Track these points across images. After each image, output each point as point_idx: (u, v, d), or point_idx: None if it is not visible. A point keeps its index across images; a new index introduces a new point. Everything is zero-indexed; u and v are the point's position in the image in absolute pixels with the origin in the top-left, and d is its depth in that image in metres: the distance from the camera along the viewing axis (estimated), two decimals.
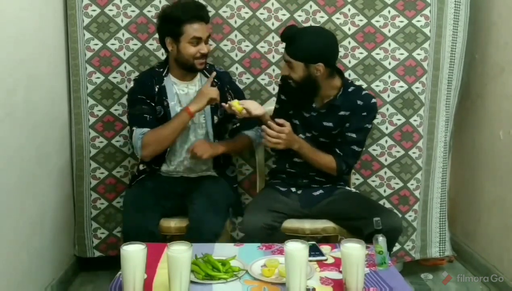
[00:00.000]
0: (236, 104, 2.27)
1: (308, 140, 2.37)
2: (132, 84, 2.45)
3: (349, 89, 2.35)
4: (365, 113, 2.31)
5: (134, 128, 2.35)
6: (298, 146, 2.28)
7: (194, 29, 2.28)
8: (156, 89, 2.39)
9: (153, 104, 2.38)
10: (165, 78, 2.41)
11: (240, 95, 2.51)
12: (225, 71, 2.56)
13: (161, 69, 2.43)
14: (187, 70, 2.39)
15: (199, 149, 2.32)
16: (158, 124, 2.35)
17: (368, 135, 2.68)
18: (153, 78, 2.40)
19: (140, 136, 2.32)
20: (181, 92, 2.42)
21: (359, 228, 2.18)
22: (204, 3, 2.58)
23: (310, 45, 2.19)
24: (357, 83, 2.67)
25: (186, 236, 2.17)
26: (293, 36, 2.20)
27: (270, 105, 2.56)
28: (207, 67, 2.44)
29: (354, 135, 2.32)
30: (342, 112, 2.33)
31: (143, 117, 2.34)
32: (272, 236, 2.16)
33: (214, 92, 2.33)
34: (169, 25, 2.31)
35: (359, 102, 2.31)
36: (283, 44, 2.63)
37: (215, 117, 2.44)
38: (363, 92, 2.36)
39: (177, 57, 2.35)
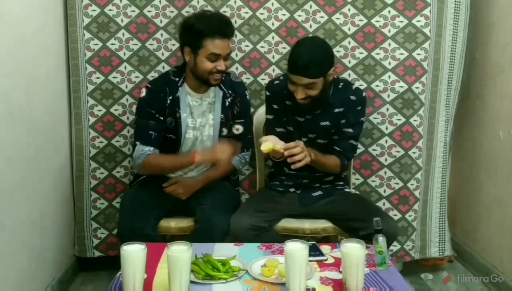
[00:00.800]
0: (271, 149, 2.13)
1: (306, 145, 2.39)
2: (144, 92, 2.35)
3: (339, 86, 2.38)
4: (359, 108, 2.37)
5: (137, 143, 2.33)
6: (314, 155, 2.24)
7: (214, 45, 2.23)
8: (169, 101, 2.34)
9: (162, 117, 2.33)
10: (180, 88, 2.36)
11: (245, 110, 2.48)
12: (240, 81, 2.53)
13: (177, 78, 2.37)
14: (201, 82, 2.34)
15: (182, 188, 2.35)
16: (161, 142, 2.34)
17: (368, 135, 2.70)
18: (167, 88, 2.35)
19: (143, 156, 2.30)
20: (194, 104, 2.38)
21: (355, 228, 2.19)
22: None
23: (322, 58, 2.21)
24: (357, 83, 2.68)
25: (194, 237, 2.16)
26: (306, 63, 2.16)
27: None
28: (222, 78, 2.36)
29: (351, 130, 2.37)
30: (336, 110, 2.35)
31: (148, 134, 2.31)
32: (260, 236, 2.15)
33: (225, 155, 2.23)
34: (191, 35, 2.25)
35: (352, 97, 2.36)
36: (284, 44, 2.67)
37: (224, 130, 2.41)
38: (353, 87, 2.41)
39: (193, 69, 2.31)
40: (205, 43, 2.23)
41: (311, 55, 2.17)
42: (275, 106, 2.42)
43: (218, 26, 2.24)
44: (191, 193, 2.35)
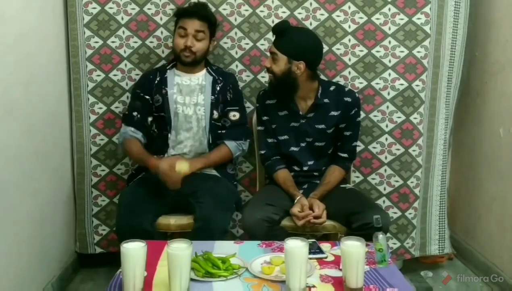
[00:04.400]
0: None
1: (304, 150, 2.43)
2: (138, 78, 2.61)
3: (331, 88, 2.43)
4: (356, 109, 2.43)
5: (123, 124, 2.50)
6: (318, 194, 2.35)
7: (183, 21, 2.44)
8: (156, 81, 2.50)
9: (148, 97, 2.47)
10: (168, 70, 2.53)
11: (238, 98, 2.56)
12: (232, 73, 2.64)
13: (167, 65, 2.56)
14: (180, 63, 2.49)
15: (179, 165, 2.34)
16: (143, 125, 2.47)
17: (368, 133, 2.70)
18: (157, 72, 2.54)
19: (123, 136, 2.47)
20: (183, 83, 2.50)
21: (350, 222, 2.21)
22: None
23: (298, 42, 2.30)
24: (357, 81, 2.68)
25: (193, 236, 2.15)
26: (284, 30, 2.31)
27: None
28: (214, 68, 2.56)
29: (351, 132, 2.44)
30: (333, 113, 2.40)
31: (132, 115, 2.47)
32: (271, 229, 2.17)
33: (172, 178, 2.29)
34: (175, 20, 2.51)
35: (346, 99, 2.41)
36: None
37: (215, 112, 2.48)
38: (346, 89, 2.48)
39: (173, 50, 2.52)
40: (178, 21, 2.47)
41: (287, 28, 2.31)
42: (264, 118, 2.47)
43: (190, 7, 2.50)
44: (189, 171, 2.33)
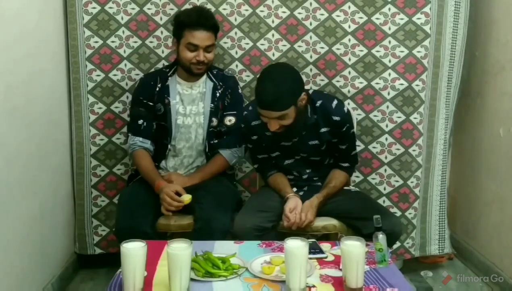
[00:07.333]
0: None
1: (299, 162, 2.41)
2: (138, 82, 2.56)
3: (317, 104, 2.32)
4: (348, 125, 2.34)
5: (129, 133, 2.48)
6: (318, 201, 2.30)
7: (192, 35, 2.33)
8: (158, 88, 2.46)
9: (152, 103, 2.44)
10: (170, 78, 2.48)
11: (236, 102, 2.49)
12: (232, 76, 2.58)
13: (168, 70, 2.51)
14: (187, 72, 2.42)
15: (178, 181, 2.36)
16: (152, 132, 2.45)
17: (368, 133, 2.70)
18: (158, 77, 2.48)
19: (132, 147, 2.45)
20: (185, 92, 2.46)
21: (358, 227, 2.19)
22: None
23: (289, 88, 2.15)
24: (357, 81, 2.68)
25: (194, 236, 2.14)
26: (273, 98, 2.12)
27: None
28: (214, 72, 2.50)
29: (347, 144, 2.39)
30: (323, 129, 2.33)
31: (138, 124, 2.45)
32: (263, 237, 2.15)
33: (166, 205, 2.27)
34: (175, 26, 2.41)
35: (335, 117, 2.30)
36: (284, 42, 2.67)
37: (214, 120, 2.45)
38: (333, 103, 2.31)
39: (178, 59, 2.44)
40: (184, 33, 2.35)
41: (277, 88, 2.12)
42: (253, 137, 2.41)
43: (196, 18, 2.35)
44: (186, 185, 2.35)
